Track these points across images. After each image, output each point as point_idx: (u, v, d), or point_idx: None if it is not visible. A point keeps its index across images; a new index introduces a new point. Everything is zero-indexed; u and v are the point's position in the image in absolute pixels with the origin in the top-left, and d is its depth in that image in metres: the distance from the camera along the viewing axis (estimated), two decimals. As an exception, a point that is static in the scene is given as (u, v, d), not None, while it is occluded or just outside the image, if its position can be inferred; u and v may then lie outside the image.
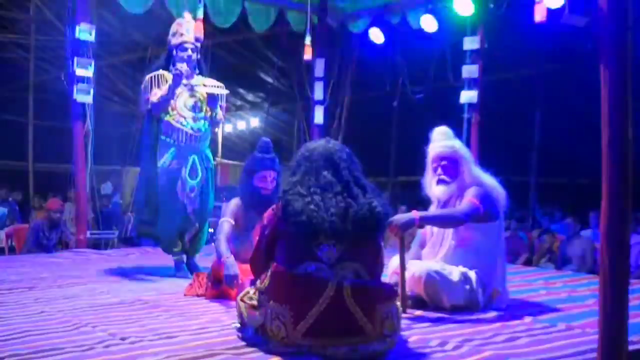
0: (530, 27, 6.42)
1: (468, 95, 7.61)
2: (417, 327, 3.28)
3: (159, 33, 7.35)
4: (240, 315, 3.01)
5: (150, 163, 5.04)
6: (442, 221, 3.78)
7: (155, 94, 4.93)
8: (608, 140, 2.32)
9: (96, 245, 7.03)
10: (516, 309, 3.76)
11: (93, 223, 7.76)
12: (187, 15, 5.25)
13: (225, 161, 15.02)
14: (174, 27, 5.14)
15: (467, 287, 3.68)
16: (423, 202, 4.14)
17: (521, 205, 10.23)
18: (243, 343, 2.89)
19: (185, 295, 4.18)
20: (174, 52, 5.07)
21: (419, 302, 3.71)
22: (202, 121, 5.05)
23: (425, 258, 3.93)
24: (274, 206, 2.93)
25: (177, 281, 4.77)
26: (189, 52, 5.05)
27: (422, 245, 4.05)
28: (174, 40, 5.08)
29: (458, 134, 4.07)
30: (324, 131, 8.69)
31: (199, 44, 5.17)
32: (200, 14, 5.30)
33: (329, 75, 8.78)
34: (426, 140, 3.98)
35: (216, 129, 5.63)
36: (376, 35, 8.42)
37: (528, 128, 10.84)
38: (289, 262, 2.80)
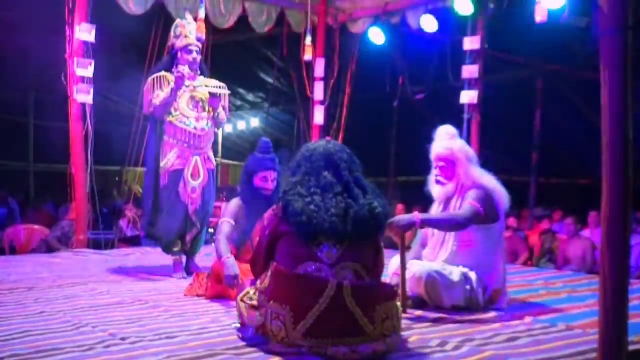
0: (530, 27, 6.42)
1: (468, 95, 7.61)
2: (417, 327, 3.28)
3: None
4: (240, 315, 3.01)
5: (155, 164, 5.05)
6: (443, 224, 3.78)
7: (158, 96, 4.94)
8: (608, 140, 2.31)
9: (96, 245, 7.01)
10: (516, 309, 3.76)
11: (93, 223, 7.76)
12: (189, 17, 5.24)
13: (225, 161, 14.98)
14: (176, 29, 5.13)
15: (467, 287, 3.69)
16: (417, 203, 4.14)
17: (521, 205, 10.22)
18: (243, 343, 2.90)
19: (185, 295, 4.18)
20: (178, 54, 5.07)
21: (419, 302, 3.71)
22: (205, 121, 5.05)
23: (426, 258, 3.94)
24: (274, 206, 2.94)
25: (177, 281, 4.78)
26: (194, 54, 5.06)
27: (423, 245, 4.05)
28: (178, 43, 5.08)
29: (458, 134, 4.06)
30: (324, 131, 8.69)
31: (201, 45, 5.17)
32: (201, 14, 5.31)
33: (329, 75, 8.79)
34: (426, 141, 3.99)
35: (217, 130, 5.61)
36: (376, 35, 8.43)
37: (528, 128, 10.82)
38: (289, 262, 2.80)
